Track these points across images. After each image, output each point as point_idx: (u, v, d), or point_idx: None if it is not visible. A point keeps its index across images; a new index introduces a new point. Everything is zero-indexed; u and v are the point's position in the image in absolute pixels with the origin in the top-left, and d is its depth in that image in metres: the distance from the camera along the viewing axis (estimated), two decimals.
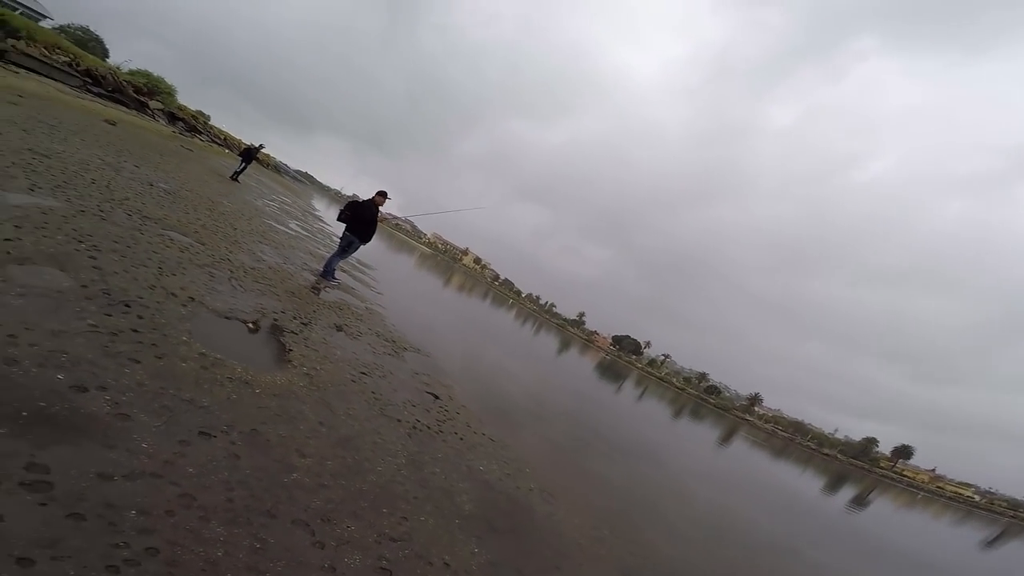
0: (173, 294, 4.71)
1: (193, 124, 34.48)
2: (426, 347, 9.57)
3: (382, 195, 10.18)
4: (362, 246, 10.40)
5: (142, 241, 5.60)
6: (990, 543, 23.37)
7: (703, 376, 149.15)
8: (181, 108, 34.13)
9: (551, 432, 8.91)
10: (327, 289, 9.53)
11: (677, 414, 36.46)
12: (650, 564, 4.82)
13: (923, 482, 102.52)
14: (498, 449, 5.96)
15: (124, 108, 22.79)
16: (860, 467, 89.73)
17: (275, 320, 5.87)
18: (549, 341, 49.57)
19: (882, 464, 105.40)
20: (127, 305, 3.94)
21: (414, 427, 5.10)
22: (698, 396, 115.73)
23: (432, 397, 6.54)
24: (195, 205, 9.41)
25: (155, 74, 31.53)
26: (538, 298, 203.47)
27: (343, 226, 10.05)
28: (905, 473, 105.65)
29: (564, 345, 56.27)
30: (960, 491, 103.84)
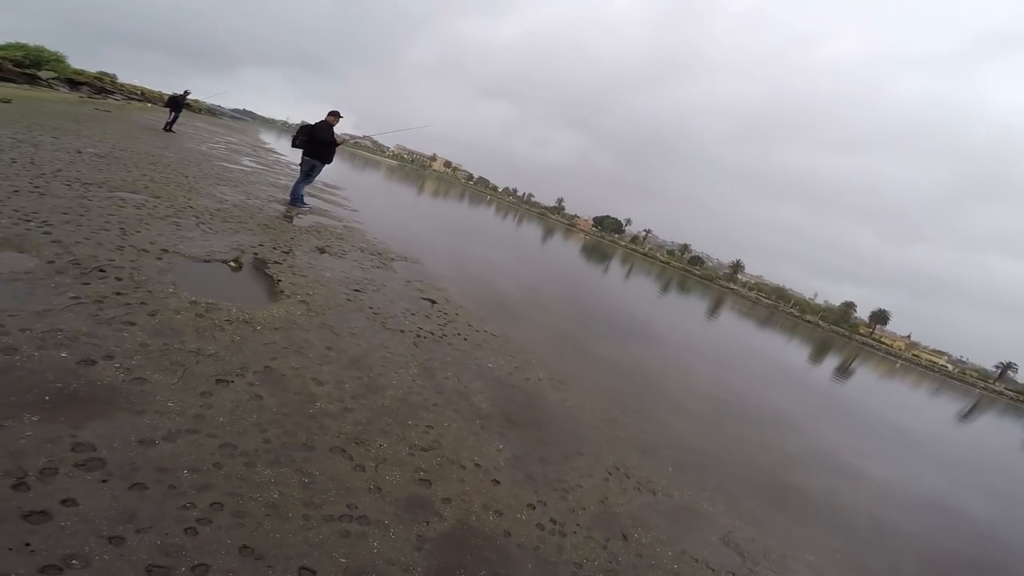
0: (144, 250, 4.68)
1: (101, 86, 31.99)
2: (413, 254, 9.70)
3: (334, 115, 10.10)
4: (325, 167, 10.42)
5: (92, 207, 5.43)
6: (965, 416, 25.50)
7: (686, 247, 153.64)
8: (79, 73, 31.16)
9: (550, 319, 9.31)
10: (300, 215, 9.51)
11: (665, 288, 37.79)
12: (664, 440, 5.27)
13: (900, 349, 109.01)
14: (502, 344, 6.28)
15: (12, 84, 20.80)
16: (841, 334, 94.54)
17: (256, 254, 5.89)
18: (533, 230, 49.94)
19: (861, 331, 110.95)
20: (102, 271, 3.92)
21: (418, 335, 5.33)
22: (683, 268, 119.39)
23: (429, 302, 6.74)
24: (135, 162, 9.06)
25: (32, 44, 28.17)
26: (515, 191, 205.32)
27: (300, 153, 10.05)
28: (883, 340, 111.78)
29: (548, 232, 56.89)
30: (934, 359, 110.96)
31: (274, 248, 6.42)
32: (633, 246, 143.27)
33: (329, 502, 2.42)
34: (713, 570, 3.25)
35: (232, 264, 5.28)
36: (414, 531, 2.48)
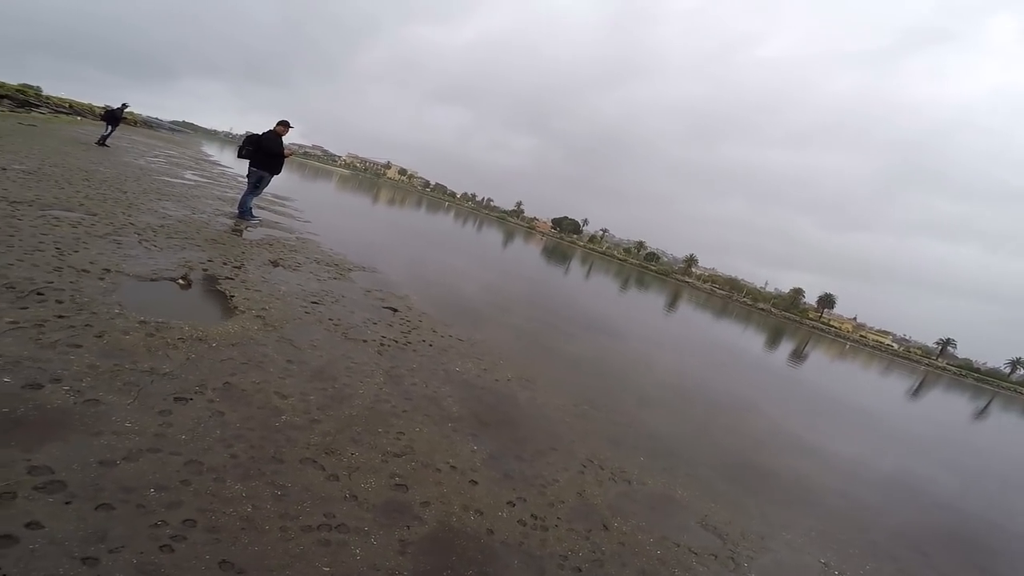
0: (84, 271, 4.51)
1: (24, 99, 30.31)
2: (371, 264, 9.63)
3: (284, 124, 10.01)
4: (273, 178, 10.29)
5: (23, 227, 5.18)
6: (915, 392, 26.92)
7: (641, 244, 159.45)
8: None
9: (515, 321, 9.38)
10: (249, 228, 9.32)
11: (625, 285, 38.60)
12: (634, 431, 5.39)
13: (848, 331, 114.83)
14: (468, 347, 6.30)
15: None
16: (792, 319, 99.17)
17: (205, 270, 5.76)
18: (493, 235, 50.31)
19: (810, 315, 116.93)
20: (39, 293, 3.75)
21: (382, 344, 5.30)
22: (640, 265, 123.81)
23: (390, 311, 6.71)
24: (68, 179, 8.66)
25: None
26: (474, 196, 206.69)
27: (246, 164, 9.91)
28: (831, 323, 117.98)
29: (508, 236, 57.41)
30: (880, 339, 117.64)
31: (224, 263, 6.27)
32: (591, 245, 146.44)
33: (305, 513, 2.41)
34: (696, 554, 3.35)
35: (181, 281, 5.14)
36: (395, 536, 2.49)
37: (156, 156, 19.12)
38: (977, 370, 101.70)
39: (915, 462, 8.36)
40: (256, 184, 10.00)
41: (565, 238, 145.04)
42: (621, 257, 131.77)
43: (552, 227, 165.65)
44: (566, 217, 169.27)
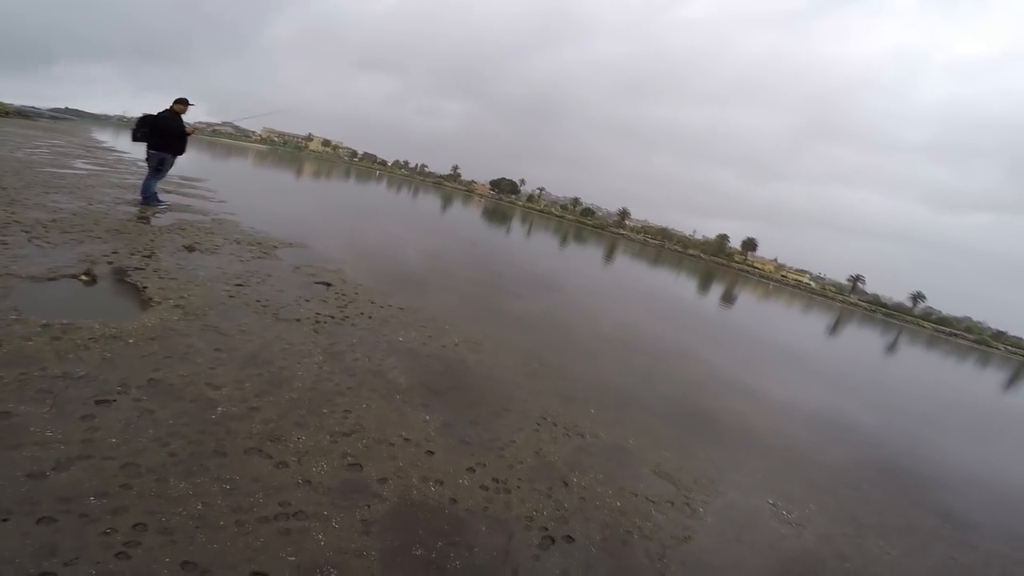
0: None
1: None
2: (298, 240, 9.25)
3: (181, 103, 9.44)
4: (177, 159, 9.70)
5: None
6: (833, 329, 28.93)
7: (577, 201, 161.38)
8: None
9: (457, 285, 9.36)
10: (157, 215, 8.70)
11: (563, 241, 39.14)
12: (581, 384, 5.52)
13: (770, 271, 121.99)
14: (410, 316, 6.23)
15: None
16: (720, 263, 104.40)
17: (110, 263, 5.36)
18: (431, 200, 49.57)
19: (736, 258, 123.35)
20: None
21: (317, 321, 5.14)
22: (577, 220, 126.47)
23: (324, 286, 6.51)
24: None
25: None
26: (407, 162, 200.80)
27: (144, 148, 9.36)
28: (755, 265, 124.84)
29: (447, 200, 56.72)
30: (799, 278, 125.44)
31: (132, 254, 5.83)
32: (530, 204, 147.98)
33: (259, 504, 2.34)
34: (653, 502, 3.50)
35: (84, 277, 4.75)
36: (357, 516, 2.46)
37: (37, 147, 17.38)
38: (885, 305, 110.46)
39: (840, 400, 8.95)
40: (158, 167, 9.35)
41: (504, 199, 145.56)
42: (559, 214, 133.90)
43: (491, 189, 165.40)
44: (504, 178, 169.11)
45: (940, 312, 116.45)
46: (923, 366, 22.74)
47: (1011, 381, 27.16)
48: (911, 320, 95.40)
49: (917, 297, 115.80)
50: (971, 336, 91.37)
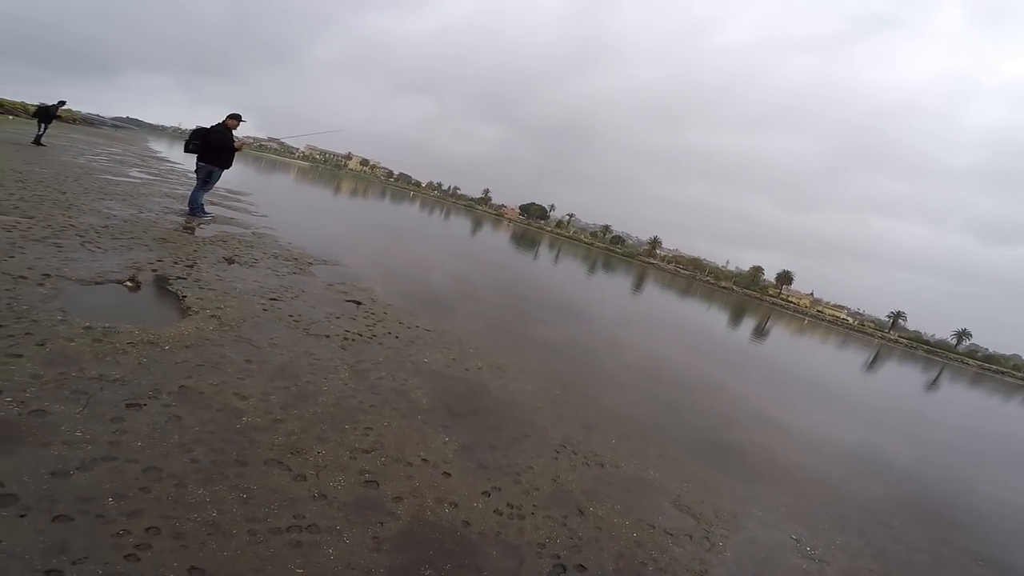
0: (22, 277, 4.31)
1: None
2: (332, 257, 9.48)
3: (234, 118, 9.83)
4: (224, 173, 10.10)
5: None
6: (870, 365, 28.06)
7: (607, 228, 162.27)
8: None
9: (484, 309, 9.41)
10: (201, 226, 9.06)
11: (592, 268, 39.09)
12: (604, 414, 5.47)
13: (805, 306, 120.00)
14: (436, 337, 6.28)
15: None
16: (753, 296, 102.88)
17: (155, 271, 5.59)
18: (461, 223, 50.35)
19: (770, 291, 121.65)
20: None
21: (345, 338, 5.23)
22: (606, 248, 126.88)
23: (354, 304, 6.63)
24: None
25: None
26: (440, 184, 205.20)
27: (194, 159, 9.75)
28: (790, 299, 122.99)
29: (476, 223, 57.67)
30: (836, 313, 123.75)
31: (175, 263, 6.08)
32: (558, 230, 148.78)
33: (273, 515, 2.37)
34: (671, 534, 3.42)
35: (128, 283, 4.97)
36: (369, 533, 2.47)
37: (98, 154, 18.38)
38: (926, 342, 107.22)
39: (875, 435, 8.67)
40: (206, 179, 9.77)
41: (533, 224, 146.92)
42: (588, 241, 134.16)
43: (520, 213, 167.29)
44: (533, 203, 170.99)
45: (987, 349, 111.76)
46: (965, 403, 21.76)
47: None
48: (954, 357, 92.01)
49: (962, 334, 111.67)
50: (1020, 374, 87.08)
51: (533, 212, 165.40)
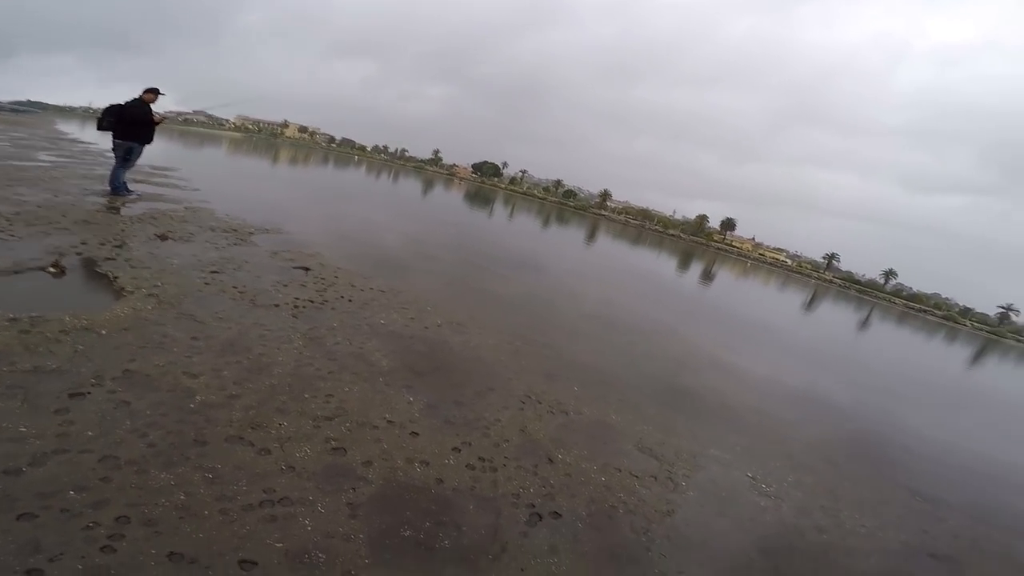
0: None
1: None
2: (275, 225, 9.15)
3: (152, 92, 9.26)
4: (146, 149, 9.52)
5: None
6: (808, 305, 29.35)
7: (559, 183, 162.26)
8: None
9: (440, 267, 9.36)
10: (127, 205, 8.51)
11: (546, 222, 39.19)
12: (565, 363, 5.58)
13: (748, 250, 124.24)
14: (392, 298, 6.23)
15: None
16: (699, 242, 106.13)
17: (79, 254, 5.24)
18: (411, 184, 49.32)
19: (715, 238, 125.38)
20: None
21: (296, 306, 5.12)
22: (559, 202, 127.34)
23: (302, 271, 6.46)
24: None
25: None
26: (386, 147, 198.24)
27: (111, 138, 9.11)
28: (733, 244, 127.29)
29: (428, 184, 56.66)
30: (776, 256, 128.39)
31: (102, 244, 5.71)
32: (512, 187, 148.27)
33: (243, 492, 2.34)
34: (637, 476, 3.56)
35: (52, 269, 4.64)
36: (343, 500, 2.48)
37: None
38: (858, 282, 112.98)
39: (816, 376, 9.09)
40: (125, 157, 9.16)
41: (486, 182, 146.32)
42: (541, 196, 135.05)
43: (472, 172, 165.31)
44: (486, 161, 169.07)
45: (911, 289, 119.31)
46: (894, 342, 23.17)
47: (976, 357, 27.93)
48: (883, 296, 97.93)
49: (889, 274, 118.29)
50: (940, 312, 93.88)
51: (486, 171, 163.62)
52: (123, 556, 1.86)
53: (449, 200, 39.03)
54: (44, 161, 12.46)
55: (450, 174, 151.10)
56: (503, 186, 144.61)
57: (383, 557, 2.22)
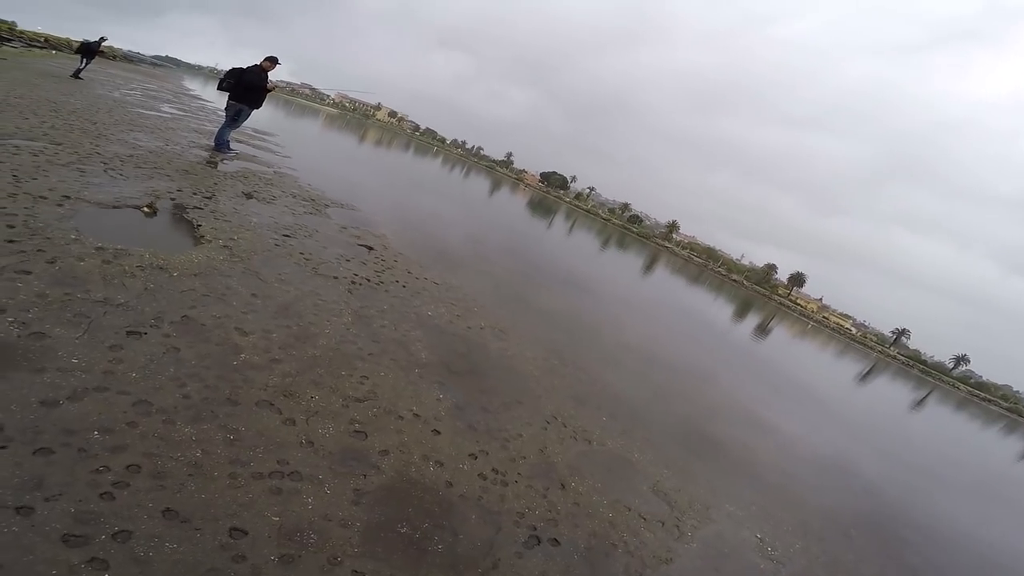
0: (42, 197, 4.25)
1: None
2: (349, 201, 9.40)
3: (271, 60, 9.72)
4: (254, 113, 10.06)
5: None
6: (863, 378, 27.46)
7: (626, 206, 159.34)
8: None
9: (492, 269, 9.31)
10: (225, 161, 8.98)
11: (605, 244, 38.60)
12: (597, 389, 5.41)
13: (812, 311, 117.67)
14: (443, 292, 6.22)
15: None
16: (762, 293, 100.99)
17: (173, 199, 5.53)
18: (480, 183, 49.91)
19: (780, 291, 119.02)
20: None
21: (353, 282, 5.18)
22: (622, 226, 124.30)
23: (366, 249, 6.56)
24: (33, 110, 8.00)
25: None
26: (464, 143, 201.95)
27: (226, 98, 9.72)
28: (798, 301, 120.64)
29: (495, 185, 57.18)
30: (841, 323, 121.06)
31: (194, 193, 6.00)
32: (577, 202, 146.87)
33: (257, 459, 2.35)
34: (644, 519, 3.41)
35: (146, 210, 4.90)
36: (350, 485, 2.45)
37: (132, 89, 18.12)
38: (923, 362, 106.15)
39: (851, 446, 8.54)
40: (234, 117, 9.72)
41: (551, 192, 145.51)
42: (605, 216, 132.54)
43: (540, 180, 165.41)
44: (555, 172, 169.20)
45: (981, 377, 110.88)
46: (943, 423, 21.63)
47: None
48: (947, 380, 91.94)
49: (960, 359, 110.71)
50: (1005, 404, 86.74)
51: (554, 181, 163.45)
52: (118, 506, 1.86)
53: (512, 205, 39.02)
54: (165, 112, 13.31)
55: (518, 178, 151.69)
56: (567, 200, 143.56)
57: (374, 549, 2.18)
